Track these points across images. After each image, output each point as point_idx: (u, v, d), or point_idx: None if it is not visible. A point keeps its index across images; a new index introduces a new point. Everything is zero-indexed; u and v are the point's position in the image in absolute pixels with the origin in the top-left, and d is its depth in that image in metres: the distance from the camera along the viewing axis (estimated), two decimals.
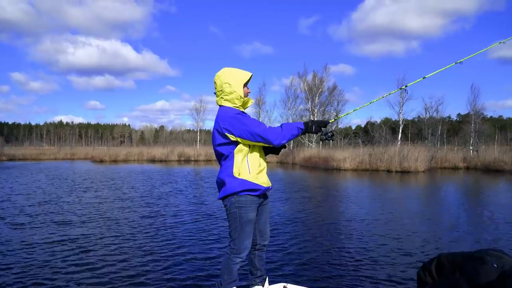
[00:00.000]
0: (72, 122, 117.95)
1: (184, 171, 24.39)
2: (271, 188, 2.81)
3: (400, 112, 39.60)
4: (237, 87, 2.70)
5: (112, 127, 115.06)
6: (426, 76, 3.36)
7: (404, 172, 23.45)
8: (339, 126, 47.17)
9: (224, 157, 2.72)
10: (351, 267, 5.07)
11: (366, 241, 6.50)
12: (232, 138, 2.63)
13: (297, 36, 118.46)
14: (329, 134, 2.71)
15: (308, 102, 41.83)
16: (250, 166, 2.65)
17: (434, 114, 43.30)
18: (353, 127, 73.14)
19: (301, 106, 43.78)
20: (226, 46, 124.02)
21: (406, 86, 3.36)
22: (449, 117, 49.03)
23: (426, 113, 43.61)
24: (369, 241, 6.46)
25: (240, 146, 2.67)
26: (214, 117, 2.75)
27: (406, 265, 5.12)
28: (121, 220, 8.11)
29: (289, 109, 44.82)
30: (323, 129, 2.69)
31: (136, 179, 18.39)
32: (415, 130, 48.28)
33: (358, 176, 21.42)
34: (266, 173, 2.81)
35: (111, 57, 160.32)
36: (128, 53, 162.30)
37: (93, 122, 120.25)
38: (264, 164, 2.79)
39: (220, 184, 2.75)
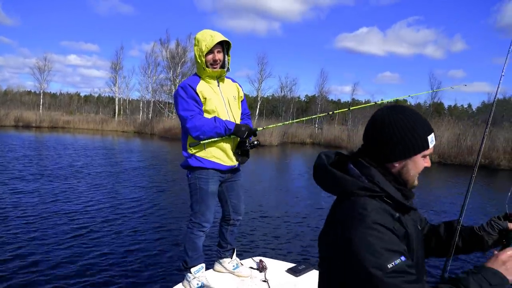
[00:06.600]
0: None
1: (25, 139, 21.02)
2: (237, 167, 2.59)
3: (259, 89, 41.77)
4: (199, 56, 2.40)
5: None
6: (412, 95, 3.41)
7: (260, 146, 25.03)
8: None
9: (182, 128, 2.52)
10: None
11: None
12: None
13: None
14: (255, 143, 2.54)
15: (170, 72, 40.52)
16: (206, 143, 2.41)
17: (288, 94, 47.10)
18: None
19: (162, 75, 42.13)
20: None
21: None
22: (298, 97, 53.91)
23: (281, 92, 47.11)
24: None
25: None
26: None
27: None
28: None
29: (149, 77, 42.75)
30: (250, 139, 2.52)
31: None
32: (271, 107, 51.79)
33: None
34: (233, 150, 2.51)
35: None
36: None
37: None
38: (227, 142, 2.47)
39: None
